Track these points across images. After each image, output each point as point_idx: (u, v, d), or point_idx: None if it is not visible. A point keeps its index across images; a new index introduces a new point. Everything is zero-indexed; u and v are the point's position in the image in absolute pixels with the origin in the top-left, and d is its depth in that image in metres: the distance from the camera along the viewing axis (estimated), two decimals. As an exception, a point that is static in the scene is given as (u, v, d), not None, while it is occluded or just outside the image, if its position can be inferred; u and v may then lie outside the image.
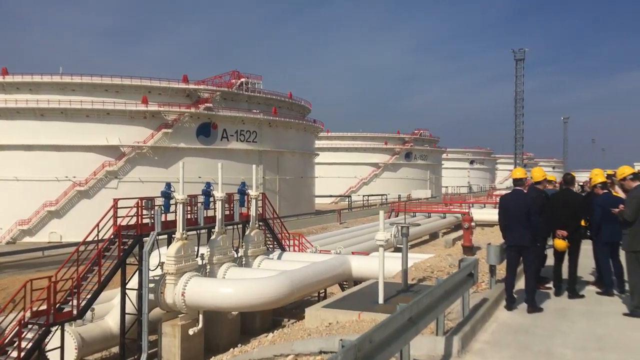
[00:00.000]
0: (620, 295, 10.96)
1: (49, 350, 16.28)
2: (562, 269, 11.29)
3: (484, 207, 55.39)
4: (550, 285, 11.57)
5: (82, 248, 17.50)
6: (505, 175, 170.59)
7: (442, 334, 7.82)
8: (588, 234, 11.59)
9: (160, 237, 18.68)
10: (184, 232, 18.52)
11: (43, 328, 15.70)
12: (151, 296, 17.88)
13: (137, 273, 18.23)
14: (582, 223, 11.22)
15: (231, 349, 15.45)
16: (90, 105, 53.68)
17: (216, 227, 20.42)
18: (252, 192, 22.92)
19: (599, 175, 11.67)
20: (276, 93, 69.00)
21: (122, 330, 17.84)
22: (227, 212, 21.85)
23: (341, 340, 4.71)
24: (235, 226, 22.91)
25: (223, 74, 63.18)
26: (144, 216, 18.47)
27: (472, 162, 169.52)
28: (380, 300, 12.16)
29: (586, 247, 11.66)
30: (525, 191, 10.19)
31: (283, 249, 24.96)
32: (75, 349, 17.25)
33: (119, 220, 18.02)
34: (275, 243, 25.19)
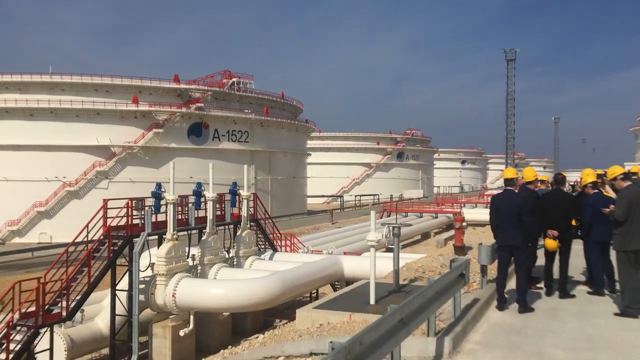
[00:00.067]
0: (611, 295, 10.98)
1: (38, 352, 16.10)
2: (553, 269, 11.29)
3: (476, 207, 55.54)
4: (542, 285, 11.57)
5: (71, 249, 17.35)
6: (496, 175, 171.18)
7: (434, 335, 7.79)
8: (579, 233, 11.62)
9: (151, 237, 18.55)
10: (175, 232, 18.40)
11: (32, 330, 15.53)
12: (141, 297, 17.74)
13: (127, 274, 18.09)
14: (573, 223, 11.23)
15: (221, 351, 15.37)
16: (80, 105, 53.39)
17: (207, 228, 20.31)
18: (244, 193, 22.84)
19: (589, 175, 11.69)
20: (268, 93, 68.96)
21: (112, 332, 17.69)
22: (218, 213, 21.74)
23: (331, 342, 4.65)
24: (226, 226, 22.78)
25: (214, 74, 63.06)
26: (134, 217, 18.34)
27: (463, 162, 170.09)
28: (372, 301, 12.12)
29: (577, 247, 11.68)
30: (516, 191, 10.19)
31: (275, 250, 24.88)
32: (65, 350, 17.08)
33: (108, 220, 17.88)
34: (266, 243, 25.10)
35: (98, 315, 19.11)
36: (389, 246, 14.05)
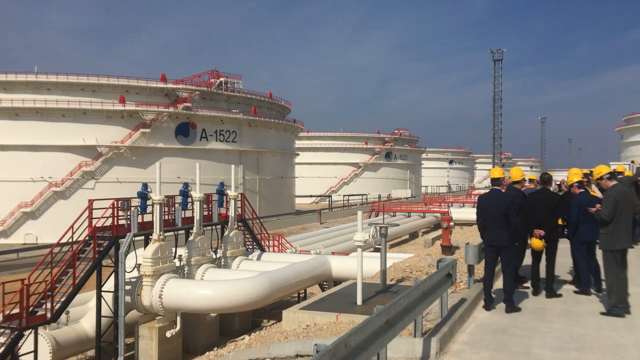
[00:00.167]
0: (597, 294, 11.02)
1: (23, 355, 15.91)
2: (540, 269, 11.31)
3: (463, 206, 55.71)
4: (528, 284, 11.59)
5: (56, 250, 17.17)
6: (484, 175, 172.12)
7: (420, 336, 7.75)
8: (565, 233, 11.65)
9: (137, 238, 18.40)
10: (161, 233, 18.27)
11: (15, 332, 15.35)
12: (128, 298, 17.59)
13: (113, 275, 17.93)
14: (560, 222, 11.26)
15: (207, 353, 15.26)
16: (66, 105, 52.87)
17: (194, 228, 20.19)
18: (231, 193, 22.74)
19: (576, 175, 11.73)
20: (256, 93, 68.72)
21: (98, 334, 17.53)
22: (205, 213, 21.65)
23: (315, 345, 4.59)
24: (214, 227, 22.67)
25: (202, 74, 62.70)
26: (120, 217, 18.18)
27: (451, 162, 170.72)
28: (359, 302, 12.08)
29: (564, 246, 11.71)
30: (503, 191, 10.19)
31: (262, 250, 24.79)
32: (50, 352, 16.90)
33: (94, 221, 17.71)
34: (254, 244, 25.02)
35: (84, 316, 18.94)
36: (377, 246, 14.02)
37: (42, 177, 52.50)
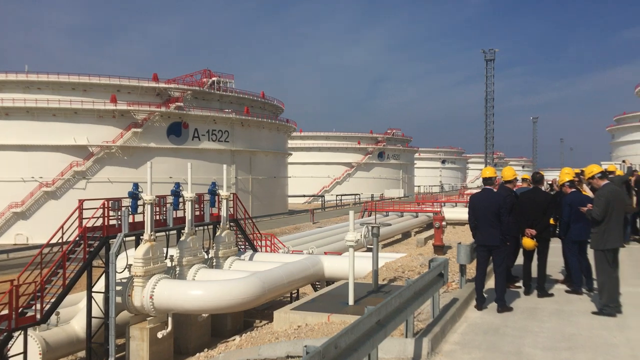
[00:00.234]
0: (588, 293, 11.02)
1: (12, 356, 15.77)
2: (532, 268, 11.30)
3: (456, 206, 55.80)
4: (520, 284, 11.58)
5: (46, 250, 17.03)
6: (476, 175, 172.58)
7: (412, 336, 7.71)
8: (557, 232, 11.65)
9: (128, 238, 18.29)
10: (152, 233, 18.17)
11: (4, 333, 15.21)
12: (118, 299, 17.49)
13: (103, 276, 17.81)
14: (551, 222, 11.26)
15: (197, 354, 15.16)
16: (57, 105, 52.54)
17: (186, 228, 20.09)
18: (223, 193, 22.65)
19: (567, 174, 11.73)
20: (248, 92, 68.55)
21: (89, 335, 17.41)
22: (197, 213, 21.55)
23: (305, 346, 4.54)
24: (205, 227, 22.58)
25: (194, 73, 62.46)
26: (110, 217, 18.06)
27: (444, 162, 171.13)
28: (351, 302, 12.03)
29: (555, 246, 11.71)
30: (495, 190, 10.17)
31: (255, 250, 24.72)
32: (40, 354, 16.75)
33: (84, 221, 17.58)
34: (246, 244, 24.94)
35: (74, 317, 18.80)
36: (369, 246, 13.98)
37: (32, 177, 52.16)
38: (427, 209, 52.95)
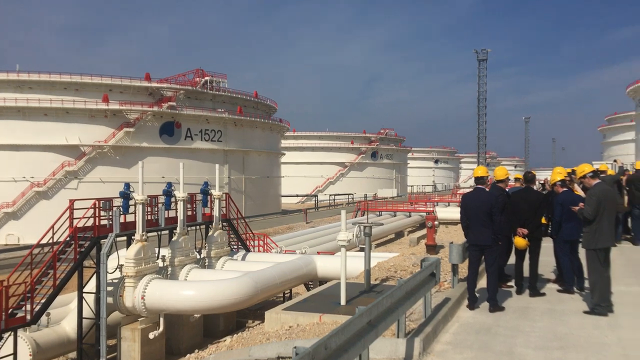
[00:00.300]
0: (580, 292, 11.03)
1: (2, 357, 15.65)
2: (524, 267, 11.30)
3: (449, 205, 55.92)
4: (512, 283, 11.58)
5: (37, 251, 16.90)
6: (469, 174, 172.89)
7: (404, 336, 7.68)
8: (549, 231, 11.65)
9: (120, 238, 18.18)
10: (144, 233, 18.07)
11: (-6, 335, 15.10)
12: (109, 300, 17.38)
13: (94, 276, 17.69)
14: (543, 221, 11.26)
15: (187, 355, 15.07)
16: (48, 104, 52.22)
17: (178, 228, 20.00)
18: (215, 192, 22.57)
19: (559, 174, 11.73)
20: (241, 92, 68.39)
21: (80, 335, 17.30)
22: (189, 213, 21.45)
23: (295, 347, 4.50)
24: (198, 227, 22.49)
25: (187, 73, 62.22)
26: (102, 217, 17.95)
27: (436, 162, 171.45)
28: (343, 302, 12.00)
29: (547, 245, 11.71)
30: (487, 189, 10.15)
31: (247, 250, 24.64)
32: (30, 355, 16.62)
33: (75, 221, 17.46)
34: (239, 244, 24.85)
35: (65, 318, 18.66)
36: (361, 246, 13.95)
37: (24, 177, 51.83)
38: (420, 208, 53.02)
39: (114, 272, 17.63)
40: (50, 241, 17.30)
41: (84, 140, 53.32)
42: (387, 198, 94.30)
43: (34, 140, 51.54)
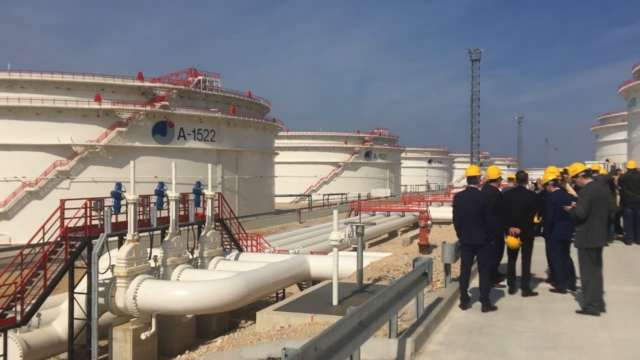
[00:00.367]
0: (572, 292, 11.03)
1: (-9, 359, 15.55)
2: (516, 267, 11.29)
3: (442, 205, 56.00)
4: (505, 283, 11.56)
5: (27, 251, 16.77)
6: (462, 174, 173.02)
7: (396, 336, 7.64)
8: (541, 231, 11.65)
9: (111, 239, 18.07)
10: (136, 233, 17.96)
11: (-16, 336, 14.97)
12: (101, 300, 17.26)
13: (86, 276, 17.57)
14: (536, 220, 11.25)
15: (178, 356, 14.98)
16: (40, 103, 51.84)
17: (170, 228, 19.89)
18: (208, 192, 22.47)
19: (552, 173, 11.73)
20: (235, 92, 68.16)
21: (71, 336, 17.17)
22: (181, 213, 21.35)
23: (284, 349, 4.44)
24: (190, 227, 22.38)
25: (180, 72, 61.95)
26: (93, 217, 17.83)
27: (430, 161, 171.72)
28: (335, 302, 11.95)
29: (539, 244, 11.70)
30: (479, 189, 10.13)
31: (240, 250, 24.56)
32: (20, 356, 16.49)
33: (66, 221, 17.33)
34: (232, 244, 24.76)
35: (56, 319, 18.52)
36: (354, 245, 13.91)
37: (15, 177, 51.46)
38: (414, 208, 53.07)
39: (105, 272, 17.52)
40: (41, 241, 17.15)
41: (76, 139, 52.99)
42: (380, 198, 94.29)
43: (25, 140, 51.18)
